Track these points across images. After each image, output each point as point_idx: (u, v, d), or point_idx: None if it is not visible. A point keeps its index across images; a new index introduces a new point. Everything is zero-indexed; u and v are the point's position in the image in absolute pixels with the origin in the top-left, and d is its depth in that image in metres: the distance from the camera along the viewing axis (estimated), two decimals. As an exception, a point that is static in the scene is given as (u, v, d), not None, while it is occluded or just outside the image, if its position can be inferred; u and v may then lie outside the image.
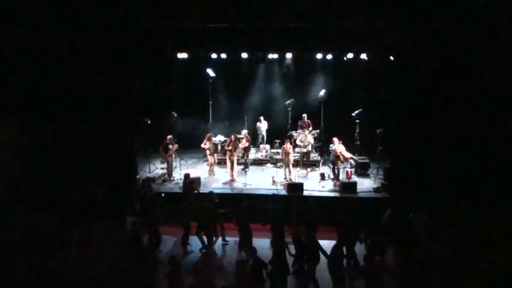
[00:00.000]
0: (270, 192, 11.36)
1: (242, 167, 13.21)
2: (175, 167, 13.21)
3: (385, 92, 12.22)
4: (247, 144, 13.25)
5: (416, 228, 9.05)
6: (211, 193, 10.07)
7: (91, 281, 8.04)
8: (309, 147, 13.46)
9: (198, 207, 9.48)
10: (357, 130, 13.43)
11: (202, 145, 13.22)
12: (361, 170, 13.19)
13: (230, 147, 12.49)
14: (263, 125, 15.30)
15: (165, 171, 12.78)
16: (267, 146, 14.89)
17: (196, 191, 10.73)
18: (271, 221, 9.21)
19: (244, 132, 13.63)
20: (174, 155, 12.88)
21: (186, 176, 10.69)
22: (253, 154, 14.62)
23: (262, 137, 15.36)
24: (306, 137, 13.28)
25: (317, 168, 13.60)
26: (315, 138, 14.34)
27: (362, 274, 8.47)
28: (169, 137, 12.64)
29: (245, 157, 13.25)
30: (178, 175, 12.74)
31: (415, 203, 9.98)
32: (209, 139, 13.21)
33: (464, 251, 9.00)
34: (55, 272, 8.34)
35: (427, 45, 10.57)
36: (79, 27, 10.84)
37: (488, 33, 10.26)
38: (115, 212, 10.47)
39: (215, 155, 13.58)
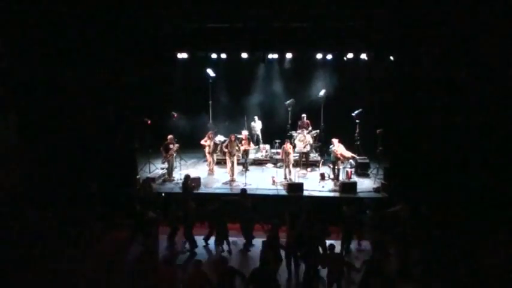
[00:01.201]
0: (270, 192, 11.38)
1: (242, 167, 13.24)
2: (176, 167, 13.20)
3: (385, 92, 12.22)
4: (248, 146, 13.24)
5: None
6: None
7: (91, 281, 8.04)
8: (308, 147, 13.45)
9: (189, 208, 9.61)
10: (357, 130, 13.43)
11: (203, 142, 13.21)
12: (361, 170, 13.19)
13: (228, 149, 12.50)
14: (257, 125, 15.19)
15: (165, 171, 12.78)
16: (267, 146, 14.88)
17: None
18: (242, 219, 9.40)
19: (245, 133, 13.64)
20: (174, 155, 12.89)
21: (187, 177, 10.68)
22: (253, 154, 14.59)
23: (257, 136, 15.30)
24: (304, 137, 13.29)
25: (317, 168, 13.60)
26: (314, 138, 14.34)
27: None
28: (170, 136, 12.64)
29: (245, 158, 13.25)
30: (178, 175, 12.74)
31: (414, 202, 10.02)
32: (210, 137, 13.20)
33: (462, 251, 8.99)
34: (56, 272, 8.34)
35: (427, 45, 10.58)
36: (79, 26, 10.85)
37: (488, 32, 10.26)
38: (115, 212, 10.50)
39: (214, 154, 13.58)
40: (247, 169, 13.09)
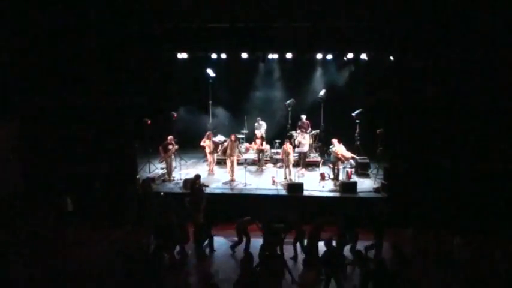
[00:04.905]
0: (270, 192, 11.37)
1: (257, 166, 13.77)
2: (175, 167, 13.20)
3: (385, 92, 12.22)
4: (262, 146, 13.62)
5: None
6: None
7: (91, 281, 8.05)
8: (306, 147, 13.45)
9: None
10: (357, 130, 13.44)
11: (202, 143, 13.23)
12: (361, 170, 13.19)
13: (228, 149, 12.52)
14: (261, 126, 15.24)
15: (165, 171, 12.78)
16: (267, 146, 14.88)
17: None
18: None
19: (261, 133, 14.08)
20: (174, 155, 12.88)
21: (197, 176, 10.69)
22: (253, 154, 14.60)
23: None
24: (303, 138, 13.29)
25: (317, 168, 13.60)
26: (314, 137, 14.35)
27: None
28: (170, 137, 12.65)
29: (260, 157, 13.73)
30: (178, 175, 12.75)
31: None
32: (209, 137, 13.21)
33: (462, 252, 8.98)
34: (55, 272, 8.35)
35: (427, 45, 10.58)
36: (79, 27, 10.85)
37: (488, 34, 10.27)
38: (115, 212, 10.50)
39: (214, 154, 13.59)
40: (261, 167, 13.64)
